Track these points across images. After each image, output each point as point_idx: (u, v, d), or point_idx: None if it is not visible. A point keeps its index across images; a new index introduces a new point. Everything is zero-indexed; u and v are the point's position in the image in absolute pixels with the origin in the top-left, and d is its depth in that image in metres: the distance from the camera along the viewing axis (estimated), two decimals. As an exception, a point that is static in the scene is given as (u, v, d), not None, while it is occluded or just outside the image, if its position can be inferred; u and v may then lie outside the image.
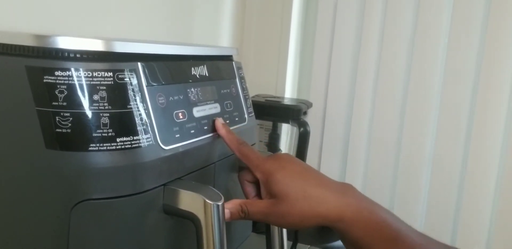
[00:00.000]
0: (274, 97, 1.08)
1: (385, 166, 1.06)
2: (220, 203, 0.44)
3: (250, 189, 0.54)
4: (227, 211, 0.47)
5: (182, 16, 0.93)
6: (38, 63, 0.39)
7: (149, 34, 0.84)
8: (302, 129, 0.97)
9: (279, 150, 1.07)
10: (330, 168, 1.12)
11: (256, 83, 1.16)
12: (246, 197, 0.54)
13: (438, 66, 0.98)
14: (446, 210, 1.00)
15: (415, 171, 1.02)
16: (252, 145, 0.66)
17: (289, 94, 1.16)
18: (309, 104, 1.10)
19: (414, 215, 1.02)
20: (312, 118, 1.13)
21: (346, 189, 0.50)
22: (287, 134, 1.12)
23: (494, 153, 0.94)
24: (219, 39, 1.08)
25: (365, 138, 1.07)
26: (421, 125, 1.00)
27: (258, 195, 0.53)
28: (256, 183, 0.53)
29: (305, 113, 1.08)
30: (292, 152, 1.01)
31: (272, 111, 1.00)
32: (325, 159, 1.13)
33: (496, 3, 0.91)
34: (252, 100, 1.02)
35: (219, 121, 0.54)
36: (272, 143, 1.06)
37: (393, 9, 1.01)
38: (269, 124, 1.06)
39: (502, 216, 0.94)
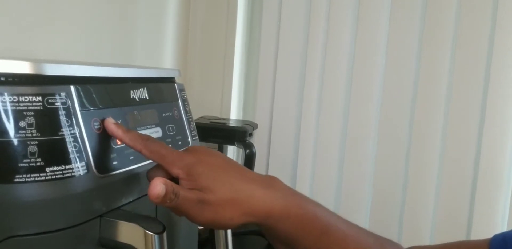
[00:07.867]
0: (220, 119, 1.07)
1: (331, 185, 1.06)
2: (162, 234, 0.42)
3: None
4: (162, 186, 0.39)
5: (124, 37, 0.90)
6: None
7: (91, 56, 0.81)
8: (247, 151, 0.95)
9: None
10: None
11: (201, 105, 1.14)
12: None
13: (377, 89, 1.00)
14: (391, 214, 1.01)
15: (358, 192, 1.03)
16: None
17: (234, 115, 1.15)
18: (254, 126, 1.09)
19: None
20: (258, 140, 1.12)
21: (271, 182, 0.46)
22: (233, 156, 1.10)
23: (433, 153, 0.96)
24: (162, 60, 1.06)
25: (311, 159, 1.07)
26: (363, 143, 1.02)
27: None
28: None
29: (250, 134, 1.07)
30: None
31: (217, 134, 0.98)
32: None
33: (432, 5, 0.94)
34: (197, 123, 1.01)
35: (110, 122, 0.44)
36: (218, 166, 1.04)
37: (335, 33, 1.03)
38: (214, 146, 1.04)
39: (443, 211, 0.96)
